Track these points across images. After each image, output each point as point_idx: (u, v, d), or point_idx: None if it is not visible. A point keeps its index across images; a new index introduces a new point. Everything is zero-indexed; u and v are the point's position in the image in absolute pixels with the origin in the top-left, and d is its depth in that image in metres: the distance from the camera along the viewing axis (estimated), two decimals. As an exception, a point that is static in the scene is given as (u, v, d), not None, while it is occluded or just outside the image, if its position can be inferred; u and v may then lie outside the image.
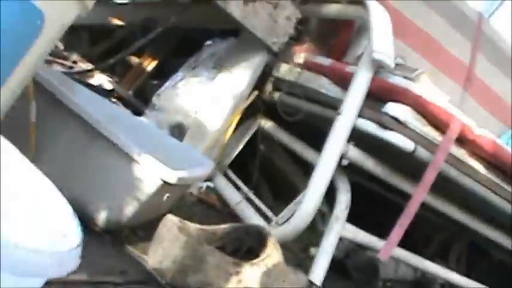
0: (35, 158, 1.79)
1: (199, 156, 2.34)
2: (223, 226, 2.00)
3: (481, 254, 3.47)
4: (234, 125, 2.86)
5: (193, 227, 1.90)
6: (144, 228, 2.02)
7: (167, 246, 1.78)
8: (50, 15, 1.45)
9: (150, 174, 1.83)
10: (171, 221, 1.81)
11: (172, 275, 1.77)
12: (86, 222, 1.85)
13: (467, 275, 3.41)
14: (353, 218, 2.56)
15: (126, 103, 3.09)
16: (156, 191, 1.85)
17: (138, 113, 2.98)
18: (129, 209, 1.86)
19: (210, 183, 2.82)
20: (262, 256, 1.90)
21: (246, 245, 2.01)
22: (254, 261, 1.88)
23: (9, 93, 1.48)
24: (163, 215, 1.99)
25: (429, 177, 2.41)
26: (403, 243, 3.15)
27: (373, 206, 3.09)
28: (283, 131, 2.94)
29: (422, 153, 2.43)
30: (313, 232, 2.77)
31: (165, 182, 1.85)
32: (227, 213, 2.73)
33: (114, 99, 3.05)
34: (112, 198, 1.85)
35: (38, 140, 1.83)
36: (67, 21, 1.54)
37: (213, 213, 2.69)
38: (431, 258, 3.33)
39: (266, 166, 3.13)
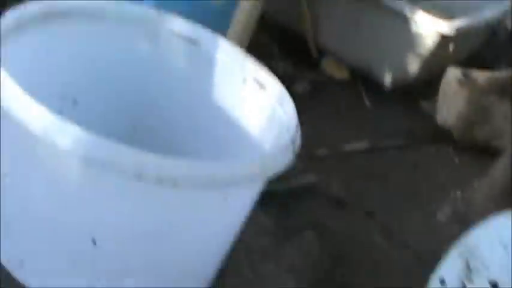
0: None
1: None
2: (516, 70, 1.88)
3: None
4: None
5: (480, 76, 1.83)
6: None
7: (450, 102, 1.75)
8: None
9: (426, 29, 1.79)
10: (453, 75, 1.76)
11: (458, 132, 1.75)
12: (375, 90, 1.91)
13: None
14: None
15: None
16: (437, 45, 1.81)
17: None
18: (413, 66, 1.85)
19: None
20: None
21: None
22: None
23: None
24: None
25: None
26: None
27: None
28: None
29: None
30: None
31: (443, 36, 1.79)
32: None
33: None
34: (394, 58, 1.86)
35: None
36: None
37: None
38: None
39: None
